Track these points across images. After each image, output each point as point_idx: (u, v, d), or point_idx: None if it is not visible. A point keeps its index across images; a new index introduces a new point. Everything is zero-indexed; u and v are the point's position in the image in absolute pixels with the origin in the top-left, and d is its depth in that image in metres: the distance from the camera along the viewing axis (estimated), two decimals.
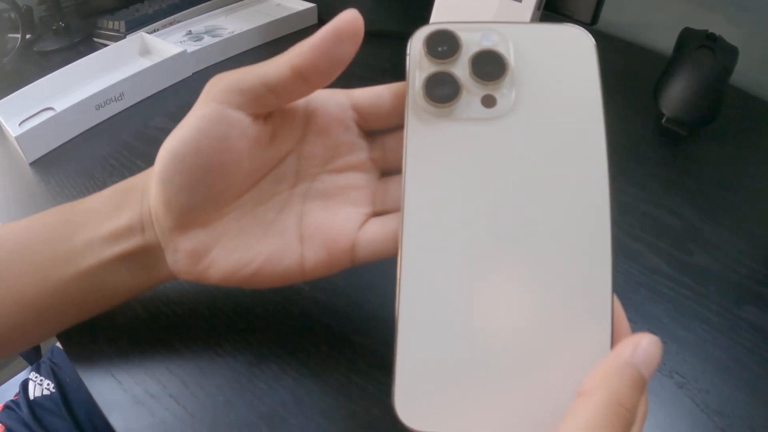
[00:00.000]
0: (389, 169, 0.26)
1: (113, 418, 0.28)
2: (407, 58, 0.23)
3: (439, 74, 0.22)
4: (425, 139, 0.22)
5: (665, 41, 0.50)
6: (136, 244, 0.26)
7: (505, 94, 0.22)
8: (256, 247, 0.25)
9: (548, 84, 0.22)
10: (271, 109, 0.25)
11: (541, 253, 0.20)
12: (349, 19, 0.22)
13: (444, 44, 0.22)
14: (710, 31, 0.49)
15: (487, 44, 0.22)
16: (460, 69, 0.22)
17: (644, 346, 0.18)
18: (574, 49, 0.22)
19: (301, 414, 0.27)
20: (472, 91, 0.22)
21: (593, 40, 0.22)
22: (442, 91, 0.22)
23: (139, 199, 0.26)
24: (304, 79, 0.23)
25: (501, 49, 0.22)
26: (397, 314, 0.21)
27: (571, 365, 0.20)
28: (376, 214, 0.26)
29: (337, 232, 0.25)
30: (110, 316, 0.30)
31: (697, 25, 0.50)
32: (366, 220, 0.25)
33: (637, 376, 0.18)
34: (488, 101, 0.22)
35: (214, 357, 0.30)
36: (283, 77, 0.22)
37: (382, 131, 0.26)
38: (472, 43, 0.22)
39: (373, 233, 0.25)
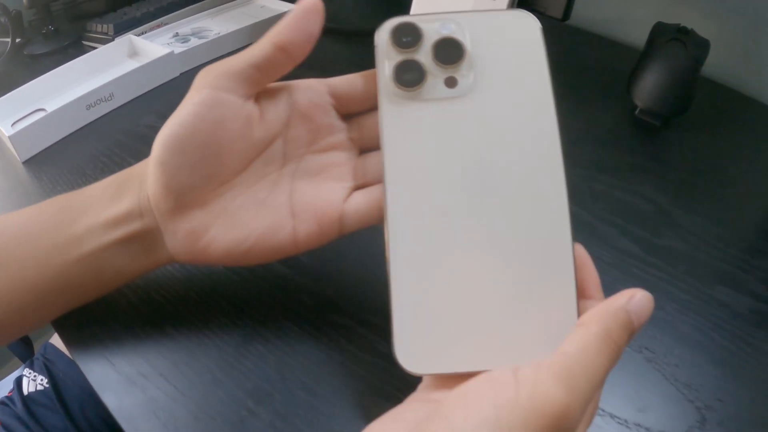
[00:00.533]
0: (366, 147, 0.29)
1: (106, 398, 0.29)
2: (375, 48, 0.26)
3: (405, 62, 0.25)
4: (398, 120, 0.25)
5: (640, 36, 0.52)
6: (136, 228, 0.28)
7: (464, 75, 0.25)
8: (252, 223, 0.27)
9: (502, 64, 0.25)
10: (259, 88, 0.27)
11: (507, 208, 0.24)
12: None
13: (408, 35, 0.25)
14: (682, 25, 0.51)
15: (445, 32, 0.25)
16: (424, 56, 0.25)
17: (638, 298, 0.21)
18: (522, 31, 0.25)
19: (285, 389, 0.29)
20: (435, 75, 0.25)
21: (539, 23, 0.25)
22: (409, 76, 0.25)
23: (137, 187, 0.28)
24: (286, 52, 0.26)
25: (458, 36, 0.25)
26: (389, 273, 0.23)
27: (543, 306, 0.23)
28: (358, 187, 0.28)
29: (325, 205, 0.28)
30: (103, 303, 0.32)
31: (673, 21, 0.52)
32: (350, 194, 0.28)
33: (627, 319, 0.21)
34: (450, 82, 0.25)
35: (203, 339, 0.32)
36: (268, 54, 0.26)
37: (357, 113, 0.29)
38: (432, 32, 0.25)
39: (358, 204, 0.28)
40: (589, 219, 0.41)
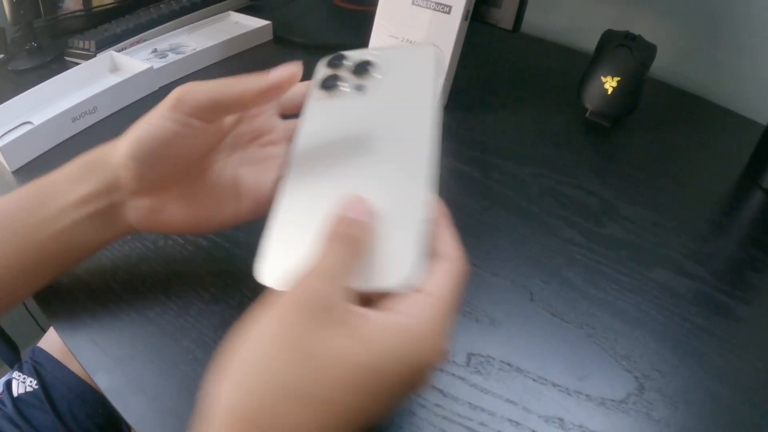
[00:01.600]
0: None
1: (98, 378, 0.34)
2: (315, 69, 0.35)
3: (330, 75, 0.35)
4: (315, 112, 0.34)
5: (593, 43, 0.58)
6: (103, 204, 0.34)
7: (368, 83, 0.34)
8: (204, 202, 0.35)
9: (399, 75, 0.34)
10: (222, 118, 0.34)
11: (380, 169, 0.30)
12: (292, 72, 0.31)
13: (338, 59, 0.36)
14: (630, 31, 0.57)
15: (363, 58, 0.35)
16: (344, 71, 0.35)
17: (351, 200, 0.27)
18: (422, 56, 0.35)
19: None
20: (348, 83, 0.34)
21: (436, 52, 0.35)
22: (329, 83, 0.35)
23: (103, 167, 0.34)
24: (245, 106, 0.33)
25: (371, 59, 0.35)
26: (270, 216, 0.30)
27: (390, 243, 0.27)
28: None
29: (262, 187, 0.35)
30: (93, 295, 0.37)
31: (625, 28, 0.58)
32: None
33: (339, 215, 0.27)
34: (358, 88, 0.34)
35: (183, 324, 0.37)
36: (233, 101, 0.32)
37: (294, 116, 0.36)
38: (354, 58, 0.36)
39: None
40: (537, 212, 0.47)
